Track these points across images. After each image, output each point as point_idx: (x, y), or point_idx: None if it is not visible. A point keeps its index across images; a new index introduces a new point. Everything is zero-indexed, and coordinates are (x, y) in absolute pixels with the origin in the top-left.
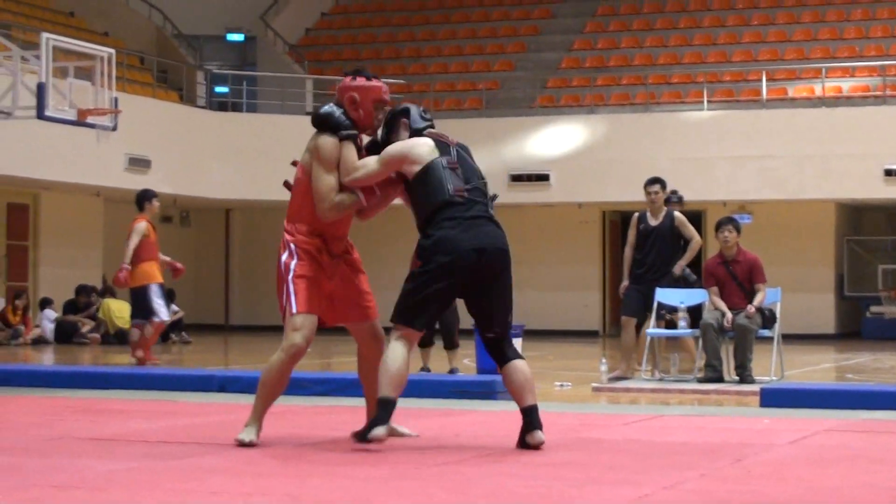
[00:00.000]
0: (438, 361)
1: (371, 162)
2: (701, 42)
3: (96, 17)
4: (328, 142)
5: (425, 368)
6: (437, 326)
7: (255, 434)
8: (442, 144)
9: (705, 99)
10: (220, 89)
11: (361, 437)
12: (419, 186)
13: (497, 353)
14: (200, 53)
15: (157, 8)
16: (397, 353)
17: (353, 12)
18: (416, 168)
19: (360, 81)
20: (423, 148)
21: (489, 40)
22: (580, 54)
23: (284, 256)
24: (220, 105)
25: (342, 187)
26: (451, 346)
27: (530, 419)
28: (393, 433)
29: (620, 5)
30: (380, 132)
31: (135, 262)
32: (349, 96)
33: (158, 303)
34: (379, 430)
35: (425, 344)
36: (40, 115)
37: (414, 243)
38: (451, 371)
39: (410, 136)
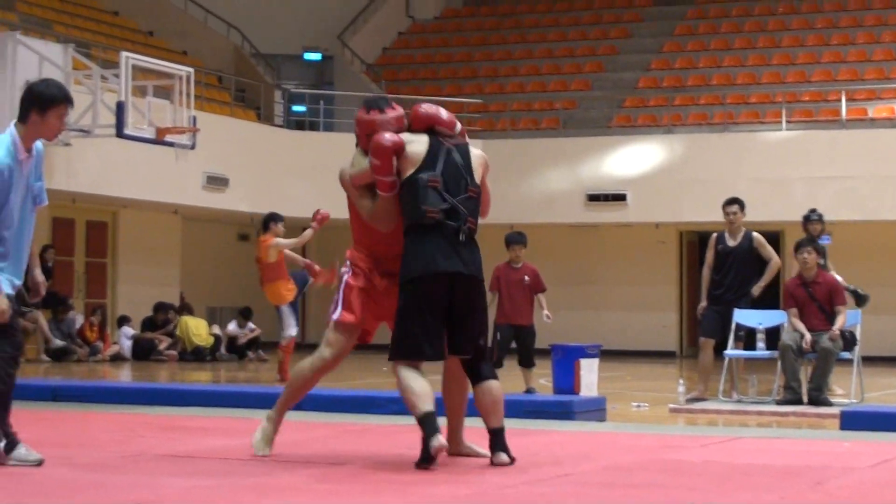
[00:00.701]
0: (512, 381)
1: (361, 164)
2: (780, 62)
3: (175, 37)
4: (342, 175)
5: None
6: (512, 345)
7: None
8: (437, 144)
9: (784, 119)
10: (297, 108)
11: (423, 459)
12: (403, 193)
13: (471, 370)
14: (278, 72)
15: (236, 27)
16: (410, 374)
17: (430, 32)
18: (404, 174)
19: (374, 115)
20: (413, 147)
21: (566, 60)
22: (658, 74)
23: (344, 270)
24: (298, 124)
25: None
26: (527, 364)
27: (494, 441)
28: (468, 453)
29: (699, 25)
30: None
31: (270, 279)
32: (363, 131)
33: (290, 321)
34: (436, 440)
35: (497, 365)
36: (119, 134)
37: (490, 264)
38: (528, 391)
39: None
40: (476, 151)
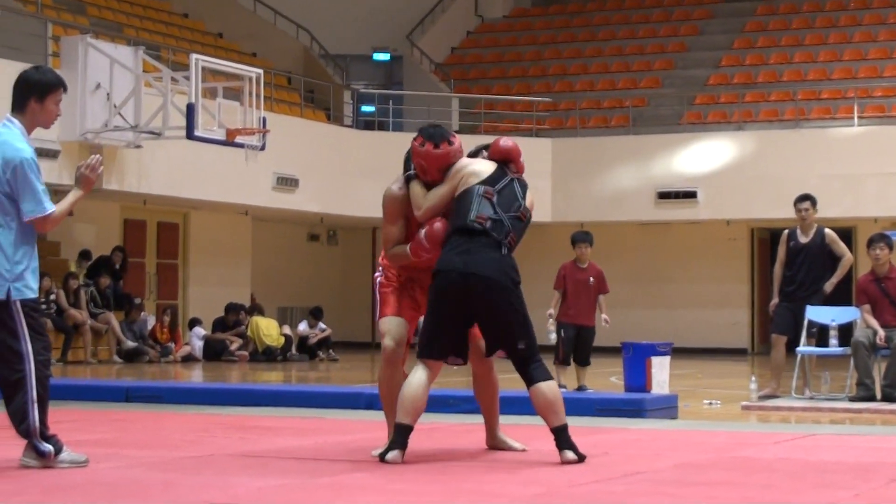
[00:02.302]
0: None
1: (434, 191)
2: (851, 57)
3: (245, 39)
4: (387, 194)
5: (561, 386)
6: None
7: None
8: (499, 171)
9: (856, 115)
10: (366, 108)
11: (381, 456)
12: (455, 204)
13: (523, 374)
14: (347, 73)
15: (305, 28)
16: (415, 380)
17: (499, 31)
18: (462, 188)
19: (428, 149)
20: (478, 167)
21: (636, 57)
22: (728, 70)
23: (377, 274)
24: (367, 124)
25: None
26: (583, 363)
27: (559, 439)
28: (503, 446)
29: (769, 21)
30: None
31: None
32: (417, 163)
33: None
34: (393, 454)
35: (564, 363)
36: (190, 136)
37: (558, 262)
38: (580, 388)
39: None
40: (530, 190)
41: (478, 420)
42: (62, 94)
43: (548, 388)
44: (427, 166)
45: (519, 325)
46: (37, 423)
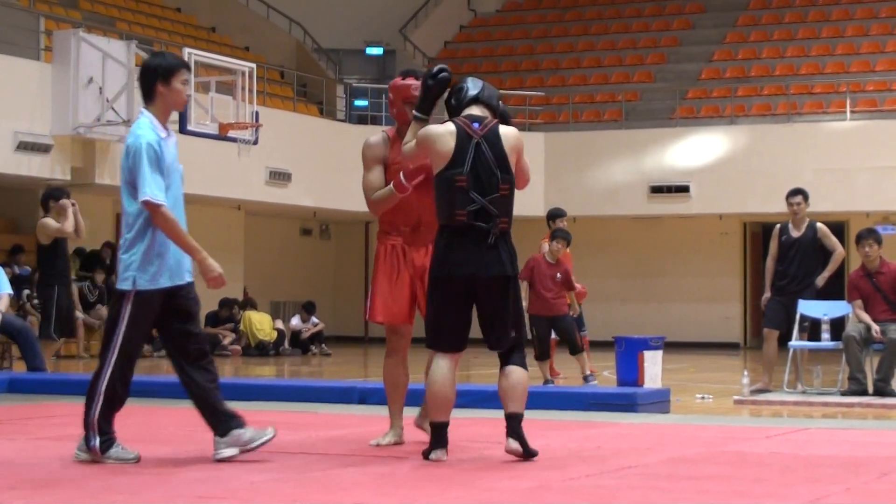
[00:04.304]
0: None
1: (411, 144)
2: (844, 51)
3: (237, 33)
4: (365, 142)
5: (548, 381)
6: (553, 337)
7: (393, 437)
8: (464, 137)
9: (848, 109)
10: (359, 103)
11: (425, 455)
12: (435, 188)
13: (504, 357)
14: (340, 67)
15: (298, 23)
16: (438, 374)
17: (492, 25)
18: (435, 169)
19: (396, 80)
20: (442, 143)
21: (628, 51)
22: (720, 65)
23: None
24: (360, 118)
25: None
26: (575, 351)
27: (510, 426)
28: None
29: (762, 15)
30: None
31: None
32: (388, 96)
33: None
34: (437, 453)
35: (543, 357)
36: (182, 130)
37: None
38: (586, 378)
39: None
40: (508, 132)
41: (470, 414)
42: (187, 75)
43: (520, 373)
44: (392, 98)
45: (512, 315)
46: (94, 417)
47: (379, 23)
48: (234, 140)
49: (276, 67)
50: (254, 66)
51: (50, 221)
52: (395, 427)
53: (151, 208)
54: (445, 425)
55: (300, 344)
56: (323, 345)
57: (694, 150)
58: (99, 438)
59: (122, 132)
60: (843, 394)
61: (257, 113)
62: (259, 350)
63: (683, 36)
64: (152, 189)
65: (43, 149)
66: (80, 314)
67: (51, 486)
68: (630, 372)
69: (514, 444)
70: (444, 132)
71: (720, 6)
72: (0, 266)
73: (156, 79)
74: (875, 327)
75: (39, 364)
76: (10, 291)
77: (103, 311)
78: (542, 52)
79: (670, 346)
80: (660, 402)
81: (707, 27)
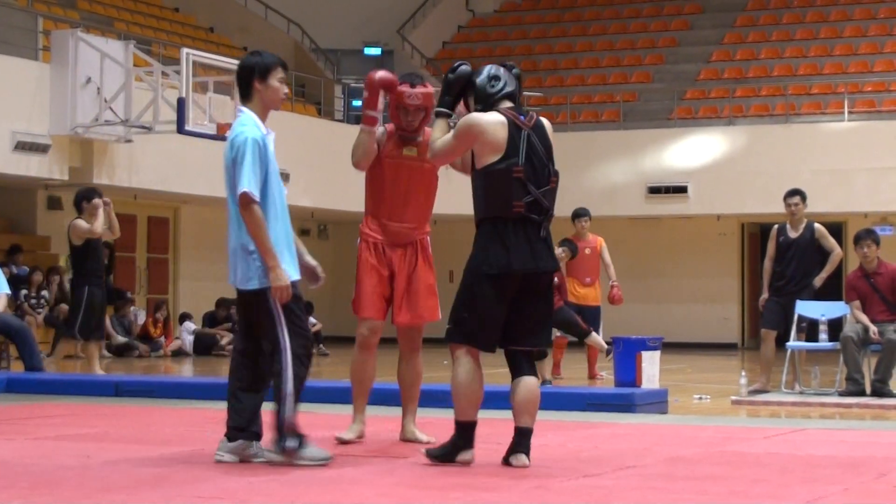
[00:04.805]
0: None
1: (448, 136)
2: (842, 52)
3: (235, 33)
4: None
5: (546, 381)
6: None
7: (355, 433)
8: (515, 129)
9: (846, 110)
10: (357, 103)
11: (436, 456)
12: (481, 181)
13: (514, 364)
14: (338, 67)
15: (296, 23)
16: (465, 372)
17: (490, 26)
18: (484, 160)
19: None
20: (493, 133)
21: (627, 52)
22: (718, 65)
23: (358, 240)
24: (358, 118)
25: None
26: (583, 334)
27: (519, 440)
28: (412, 438)
29: (760, 16)
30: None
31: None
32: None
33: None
34: (466, 455)
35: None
36: (180, 130)
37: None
38: (597, 375)
39: (482, 108)
40: (549, 126)
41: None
42: (284, 73)
43: (535, 385)
44: (388, 100)
45: (548, 318)
46: (288, 418)
47: (377, 23)
48: None
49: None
50: None
51: (81, 222)
52: (357, 422)
53: (246, 201)
54: (474, 425)
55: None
56: (321, 345)
57: (692, 150)
58: (294, 440)
59: (121, 132)
60: (841, 394)
61: None
62: None
63: (681, 36)
64: (251, 183)
65: (41, 149)
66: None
67: (49, 486)
68: (628, 372)
69: (525, 460)
70: (494, 122)
71: (718, 7)
72: None
73: (253, 77)
74: (873, 328)
75: (37, 363)
76: (9, 291)
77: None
78: (540, 52)
79: (668, 347)
80: (658, 402)
81: (705, 28)
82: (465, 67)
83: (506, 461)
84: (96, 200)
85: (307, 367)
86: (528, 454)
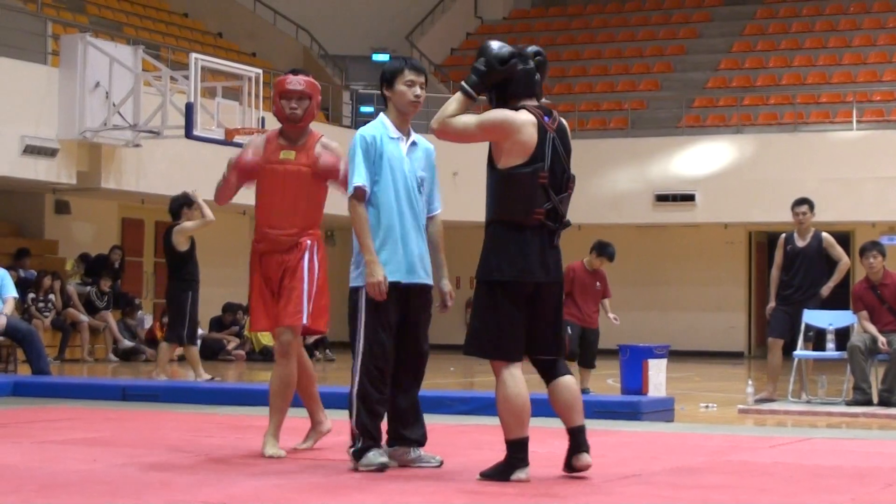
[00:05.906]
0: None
1: (471, 120)
2: (851, 61)
3: (244, 39)
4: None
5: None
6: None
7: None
8: (543, 130)
9: (854, 119)
10: (365, 109)
11: (491, 476)
12: (502, 183)
13: (545, 368)
14: (346, 73)
15: (304, 29)
16: (517, 389)
17: (499, 33)
18: (509, 160)
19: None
20: (526, 134)
21: (635, 60)
22: (727, 74)
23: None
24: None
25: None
26: (588, 364)
27: (577, 441)
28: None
29: (769, 24)
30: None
31: None
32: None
33: None
34: (522, 473)
35: (569, 358)
36: (189, 135)
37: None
38: (584, 391)
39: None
40: (568, 128)
41: (471, 421)
42: (411, 74)
43: (573, 382)
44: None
45: (561, 324)
46: (355, 423)
47: (385, 29)
48: (240, 145)
49: (282, 73)
50: (260, 71)
51: (188, 223)
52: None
53: (357, 195)
54: (527, 441)
55: (304, 349)
56: (327, 350)
57: (699, 158)
58: (357, 443)
59: (129, 137)
60: (848, 404)
61: (263, 118)
62: (263, 355)
63: (690, 44)
64: (361, 178)
65: (49, 153)
66: (84, 317)
67: (55, 489)
68: (635, 380)
69: (588, 459)
70: (528, 122)
71: (727, 15)
72: (5, 269)
73: (381, 86)
74: (881, 339)
75: (44, 367)
76: (16, 294)
77: (107, 315)
78: (548, 59)
79: (675, 355)
80: (664, 410)
81: (714, 36)
82: (515, 61)
83: (567, 464)
84: (193, 191)
85: (377, 388)
86: (589, 451)
